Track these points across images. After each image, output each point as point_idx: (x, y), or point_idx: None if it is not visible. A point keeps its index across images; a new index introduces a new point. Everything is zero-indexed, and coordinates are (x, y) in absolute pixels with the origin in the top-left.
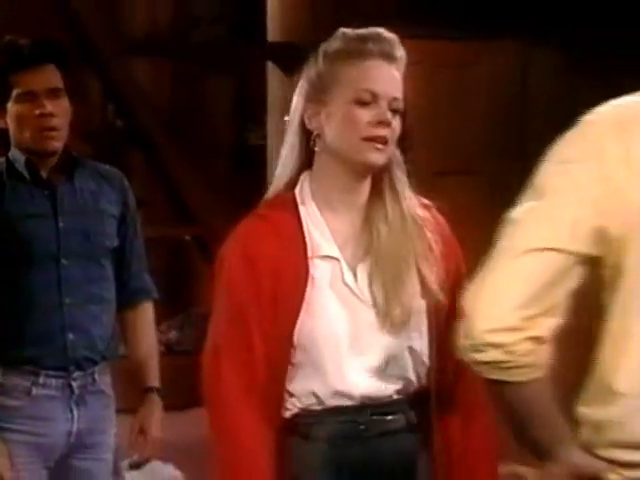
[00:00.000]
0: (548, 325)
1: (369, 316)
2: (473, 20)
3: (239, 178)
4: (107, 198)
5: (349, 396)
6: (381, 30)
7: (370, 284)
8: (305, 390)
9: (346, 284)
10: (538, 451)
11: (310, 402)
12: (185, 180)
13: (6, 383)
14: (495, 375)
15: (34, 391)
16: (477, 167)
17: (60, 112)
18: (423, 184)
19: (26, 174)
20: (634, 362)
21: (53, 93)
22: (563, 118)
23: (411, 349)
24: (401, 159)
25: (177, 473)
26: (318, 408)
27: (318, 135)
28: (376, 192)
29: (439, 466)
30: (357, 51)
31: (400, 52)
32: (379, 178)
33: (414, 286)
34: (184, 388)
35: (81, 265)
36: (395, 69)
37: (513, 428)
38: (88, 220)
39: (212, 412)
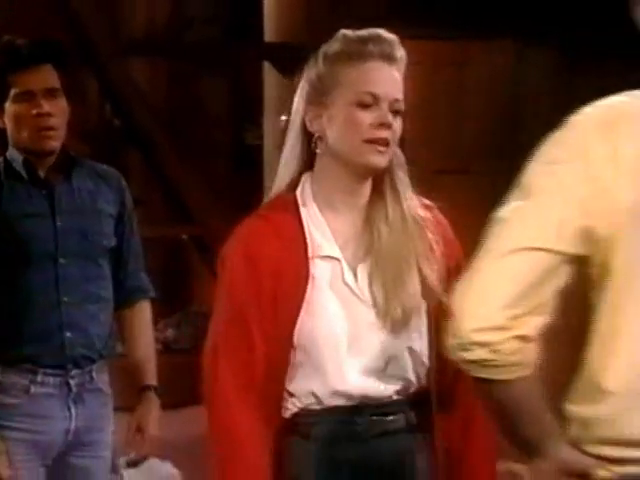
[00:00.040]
0: (535, 324)
1: (369, 316)
2: (470, 20)
3: (236, 177)
4: (104, 198)
5: (349, 396)
6: (381, 31)
7: (370, 284)
8: (305, 390)
9: (346, 284)
10: (527, 448)
11: (310, 402)
12: (182, 179)
13: (4, 381)
14: (482, 374)
15: (32, 389)
16: (475, 166)
17: (57, 112)
18: (421, 183)
19: (24, 174)
20: (623, 361)
21: (50, 93)
22: (560, 117)
23: (411, 349)
24: (403, 159)
25: (175, 471)
26: (318, 408)
27: (319, 137)
28: (377, 193)
29: (439, 466)
30: (357, 53)
31: (400, 53)
32: (380, 179)
33: (415, 286)
34: (181, 386)
35: (79, 264)
36: (395, 70)
37: (502, 426)
38: (86, 219)
39: (210, 411)
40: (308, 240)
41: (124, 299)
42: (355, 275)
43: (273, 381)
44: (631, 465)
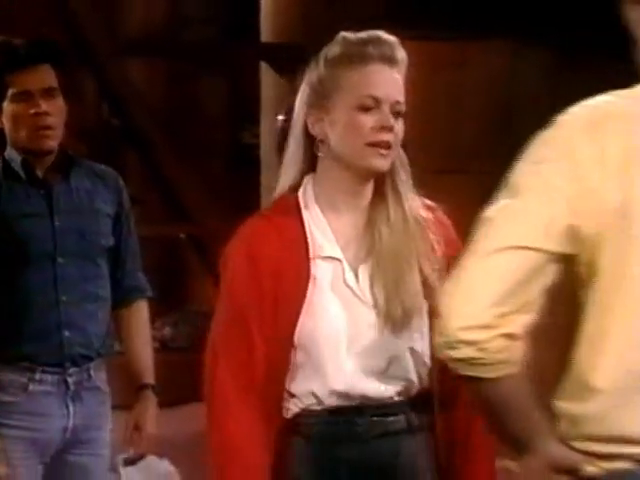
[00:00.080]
0: (522, 322)
1: (370, 317)
2: (468, 21)
3: (233, 177)
4: (102, 197)
5: (349, 397)
6: (381, 33)
7: (372, 285)
8: (305, 390)
9: (347, 285)
10: (517, 445)
11: (310, 402)
12: (180, 179)
13: (3, 379)
14: (470, 372)
15: (30, 387)
16: (474, 167)
17: (55, 111)
18: (420, 184)
19: (22, 174)
20: (611, 360)
21: (48, 92)
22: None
23: (412, 350)
24: (406, 161)
25: (172, 469)
26: (318, 408)
27: (321, 141)
28: (379, 194)
29: (440, 467)
30: (358, 56)
31: (401, 54)
32: (382, 180)
33: (416, 287)
34: (179, 384)
35: (77, 264)
36: (396, 72)
37: (491, 423)
38: (84, 219)
39: (209, 411)
40: (309, 241)
41: (122, 298)
42: (356, 276)
43: (273, 382)
44: (618, 461)
